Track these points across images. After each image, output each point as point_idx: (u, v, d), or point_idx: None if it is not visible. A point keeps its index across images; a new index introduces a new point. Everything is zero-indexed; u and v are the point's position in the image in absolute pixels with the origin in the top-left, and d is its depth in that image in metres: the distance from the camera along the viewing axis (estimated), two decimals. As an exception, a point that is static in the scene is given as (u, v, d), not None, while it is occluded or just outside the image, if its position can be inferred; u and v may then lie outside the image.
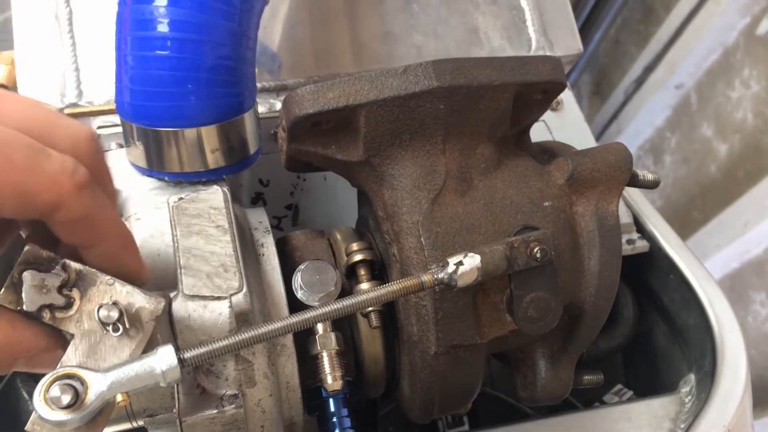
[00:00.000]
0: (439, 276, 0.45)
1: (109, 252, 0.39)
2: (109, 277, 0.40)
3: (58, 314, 0.39)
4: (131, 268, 0.41)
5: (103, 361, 0.39)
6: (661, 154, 1.62)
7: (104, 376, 0.37)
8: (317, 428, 0.58)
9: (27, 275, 0.38)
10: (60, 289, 0.39)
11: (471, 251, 0.45)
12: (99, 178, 0.39)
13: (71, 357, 0.39)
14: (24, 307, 0.38)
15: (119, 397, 0.37)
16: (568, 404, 0.79)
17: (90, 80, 0.66)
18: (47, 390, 0.36)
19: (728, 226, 1.39)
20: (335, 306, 0.42)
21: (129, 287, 0.40)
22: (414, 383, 0.53)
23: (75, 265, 0.39)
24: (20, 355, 0.38)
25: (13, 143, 0.34)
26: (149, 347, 0.40)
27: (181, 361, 0.38)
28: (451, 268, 0.45)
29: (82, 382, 0.37)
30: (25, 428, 0.37)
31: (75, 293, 0.39)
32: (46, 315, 0.38)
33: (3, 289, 0.38)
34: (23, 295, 0.38)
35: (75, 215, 0.36)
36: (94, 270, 0.40)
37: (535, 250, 0.47)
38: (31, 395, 0.69)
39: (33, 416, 0.37)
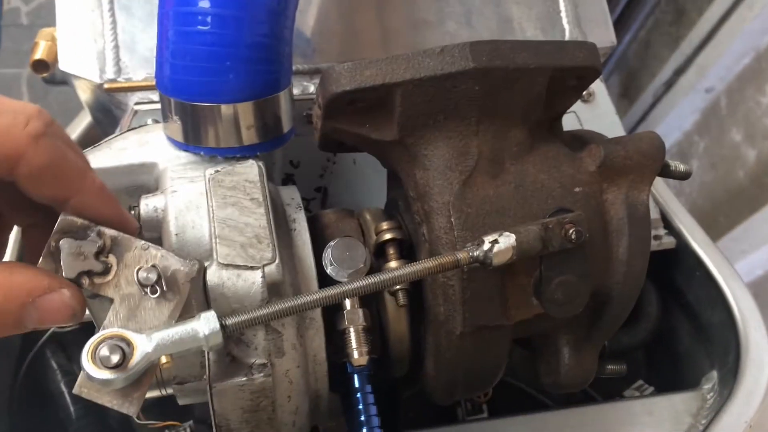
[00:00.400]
0: (475, 254, 0.45)
1: (85, 203, 0.39)
2: (143, 242, 0.41)
3: (97, 280, 0.40)
4: (114, 217, 0.41)
5: (144, 324, 0.40)
6: (688, 159, 1.61)
7: (149, 338, 0.38)
8: (340, 406, 0.59)
9: (64, 243, 0.39)
10: (97, 256, 0.39)
11: (505, 231, 0.46)
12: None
13: (112, 321, 0.40)
14: (63, 274, 0.39)
15: (163, 359, 0.38)
16: (589, 397, 0.79)
17: (129, 57, 0.67)
18: (95, 350, 0.37)
19: (754, 232, 1.37)
20: (378, 278, 0.42)
21: (163, 251, 0.41)
22: (438, 363, 0.54)
23: (110, 232, 0.40)
24: (23, 298, 0.37)
25: None
26: (185, 312, 0.41)
27: (223, 326, 0.39)
28: (486, 246, 0.45)
29: (129, 343, 0.38)
30: (73, 391, 0.38)
31: (111, 259, 0.40)
32: (85, 281, 0.39)
33: (41, 258, 0.39)
34: (62, 262, 0.39)
35: (37, 164, 0.36)
36: (128, 236, 0.41)
37: (570, 231, 0.47)
38: (60, 365, 0.71)
39: (80, 378, 0.38)
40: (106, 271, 0.40)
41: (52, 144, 0.37)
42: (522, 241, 0.45)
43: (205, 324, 0.39)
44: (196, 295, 0.45)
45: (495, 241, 0.45)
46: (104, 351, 0.37)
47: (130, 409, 0.38)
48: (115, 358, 0.37)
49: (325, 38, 0.71)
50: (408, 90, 0.49)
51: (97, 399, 0.38)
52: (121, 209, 0.42)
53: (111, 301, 0.40)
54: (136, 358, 0.37)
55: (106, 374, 0.37)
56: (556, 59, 0.50)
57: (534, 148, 0.53)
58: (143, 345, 0.38)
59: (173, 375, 0.50)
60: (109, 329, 0.38)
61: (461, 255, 0.45)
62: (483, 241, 0.45)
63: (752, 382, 0.66)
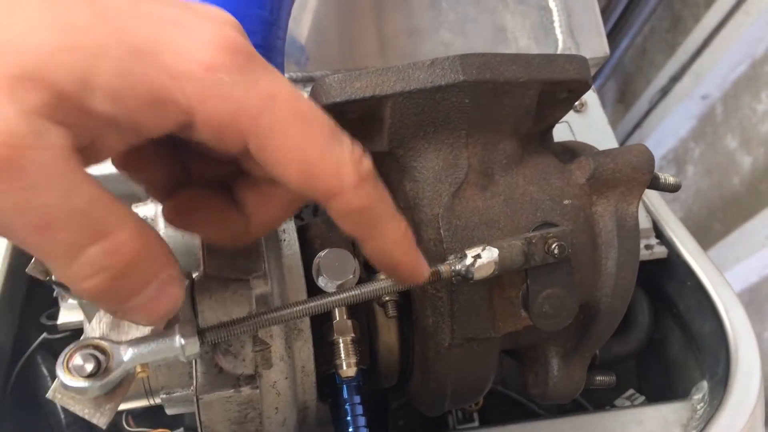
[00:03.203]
0: (457, 267, 0.45)
1: (382, 248, 0.38)
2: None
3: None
4: (405, 265, 0.40)
5: (125, 335, 0.40)
6: (683, 165, 1.61)
7: (125, 347, 0.38)
8: (329, 415, 0.59)
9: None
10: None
11: (489, 245, 0.46)
12: None
13: (95, 328, 0.40)
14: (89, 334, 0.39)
15: (138, 368, 0.38)
16: (579, 406, 0.79)
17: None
18: (70, 359, 0.37)
19: (749, 239, 1.38)
20: (354, 292, 0.42)
21: None
22: (427, 374, 0.54)
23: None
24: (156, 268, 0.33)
25: (317, 118, 0.34)
26: (172, 323, 0.41)
27: (200, 336, 0.39)
28: (468, 261, 0.45)
29: (104, 352, 0.38)
30: (47, 395, 0.38)
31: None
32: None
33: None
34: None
35: (350, 207, 0.35)
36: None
37: (553, 246, 0.47)
38: (51, 372, 0.71)
39: (55, 384, 0.38)
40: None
41: (373, 188, 0.35)
42: (504, 257, 0.45)
43: (182, 334, 0.39)
44: (184, 307, 0.45)
45: (478, 256, 0.45)
46: (78, 360, 0.37)
47: (100, 419, 0.38)
48: (89, 367, 0.36)
49: (319, 46, 0.71)
50: (398, 102, 0.49)
51: (70, 406, 0.38)
52: (416, 255, 0.40)
53: None
54: (112, 367, 0.37)
55: (79, 382, 0.36)
56: (545, 73, 0.50)
57: (524, 160, 0.53)
58: (119, 354, 0.38)
59: (161, 385, 0.50)
60: (86, 339, 0.38)
61: (443, 268, 0.45)
62: (465, 255, 0.45)
63: (742, 393, 0.66)
